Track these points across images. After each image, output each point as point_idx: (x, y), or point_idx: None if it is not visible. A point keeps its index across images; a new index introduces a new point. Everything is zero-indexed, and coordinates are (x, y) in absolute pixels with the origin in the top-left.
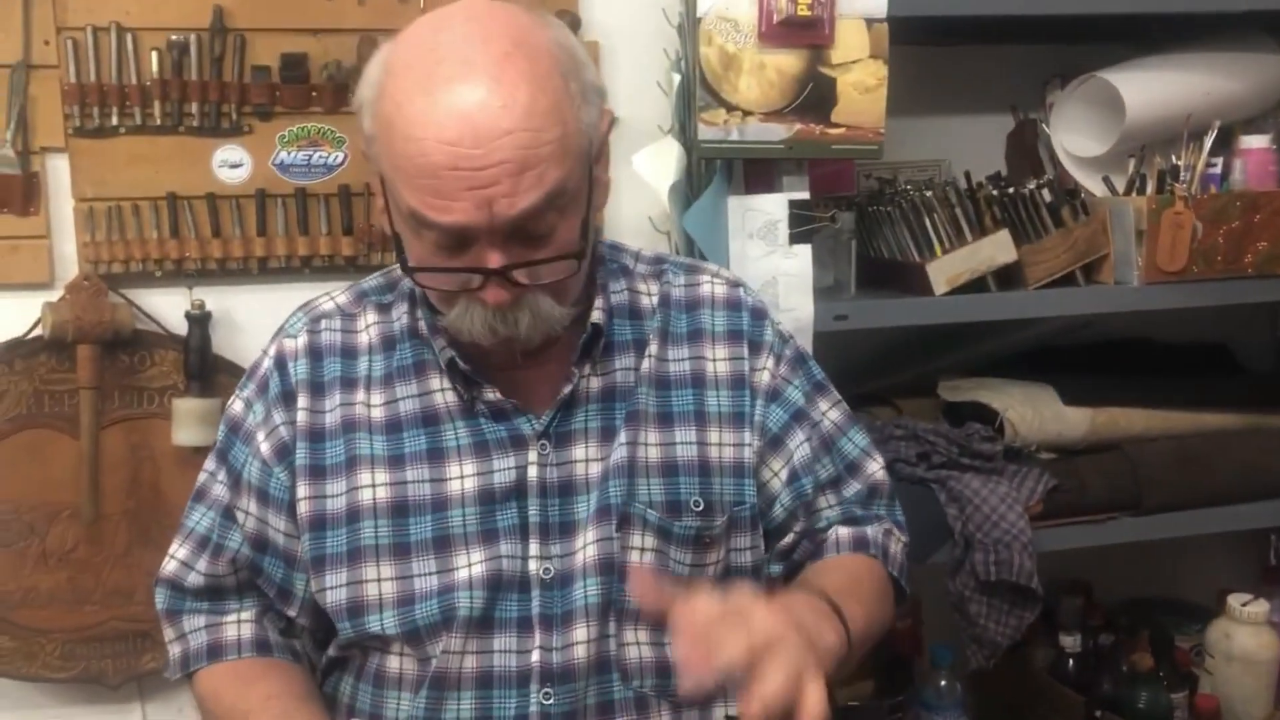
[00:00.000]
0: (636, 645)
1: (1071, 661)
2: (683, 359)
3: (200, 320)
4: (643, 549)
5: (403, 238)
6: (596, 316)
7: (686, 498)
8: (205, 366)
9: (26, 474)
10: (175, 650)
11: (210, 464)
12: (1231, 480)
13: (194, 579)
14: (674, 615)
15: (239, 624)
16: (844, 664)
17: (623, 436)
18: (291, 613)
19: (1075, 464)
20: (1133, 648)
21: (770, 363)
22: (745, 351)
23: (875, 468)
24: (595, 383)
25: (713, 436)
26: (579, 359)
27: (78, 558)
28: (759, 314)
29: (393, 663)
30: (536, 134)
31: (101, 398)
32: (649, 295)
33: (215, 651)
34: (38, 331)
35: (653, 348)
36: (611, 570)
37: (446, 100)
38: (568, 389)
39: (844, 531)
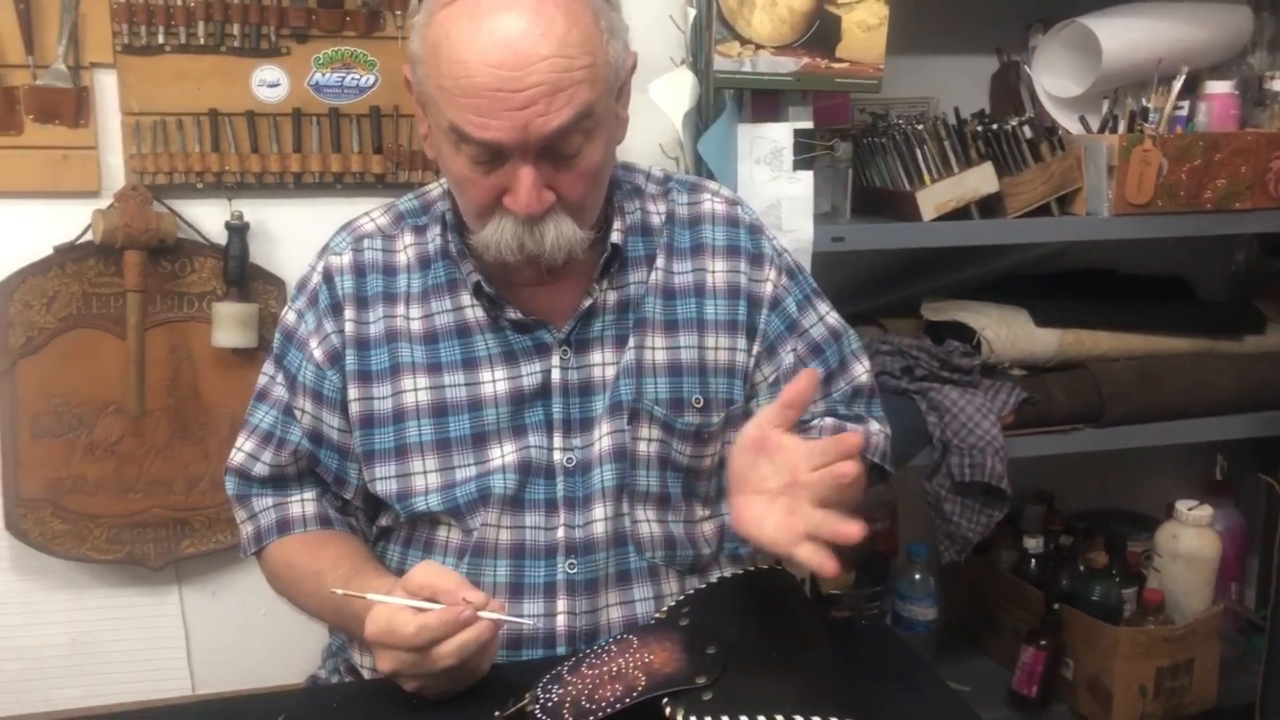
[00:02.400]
0: (647, 523)
1: (1034, 562)
2: (686, 271)
3: (239, 230)
4: (650, 439)
5: (442, 155)
6: (616, 237)
7: (688, 395)
8: (243, 274)
9: (76, 371)
10: (248, 529)
11: (269, 368)
12: (1184, 398)
13: (260, 469)
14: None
15: (303, 503)
16: None
17: (631, 341)
18: (347, 495)
19: (1044, 380)
20: (1089, 548)
21: (773, 274)
22: (743, 265)
23: (861, 370)
24: (611, 296)
25: (710, 341)
26: (600, 275)
27: (122, 449)
28: (756, 230)
29: (440, 533)
30: (570, 60)
31: (146, 301)
32: (658, 214)
33: (284, 526)
34: (87, 237)
35: (660, 261)
36: (624, 458)
37: (490, 27)
38: (588, 303)
39: (828, 422)
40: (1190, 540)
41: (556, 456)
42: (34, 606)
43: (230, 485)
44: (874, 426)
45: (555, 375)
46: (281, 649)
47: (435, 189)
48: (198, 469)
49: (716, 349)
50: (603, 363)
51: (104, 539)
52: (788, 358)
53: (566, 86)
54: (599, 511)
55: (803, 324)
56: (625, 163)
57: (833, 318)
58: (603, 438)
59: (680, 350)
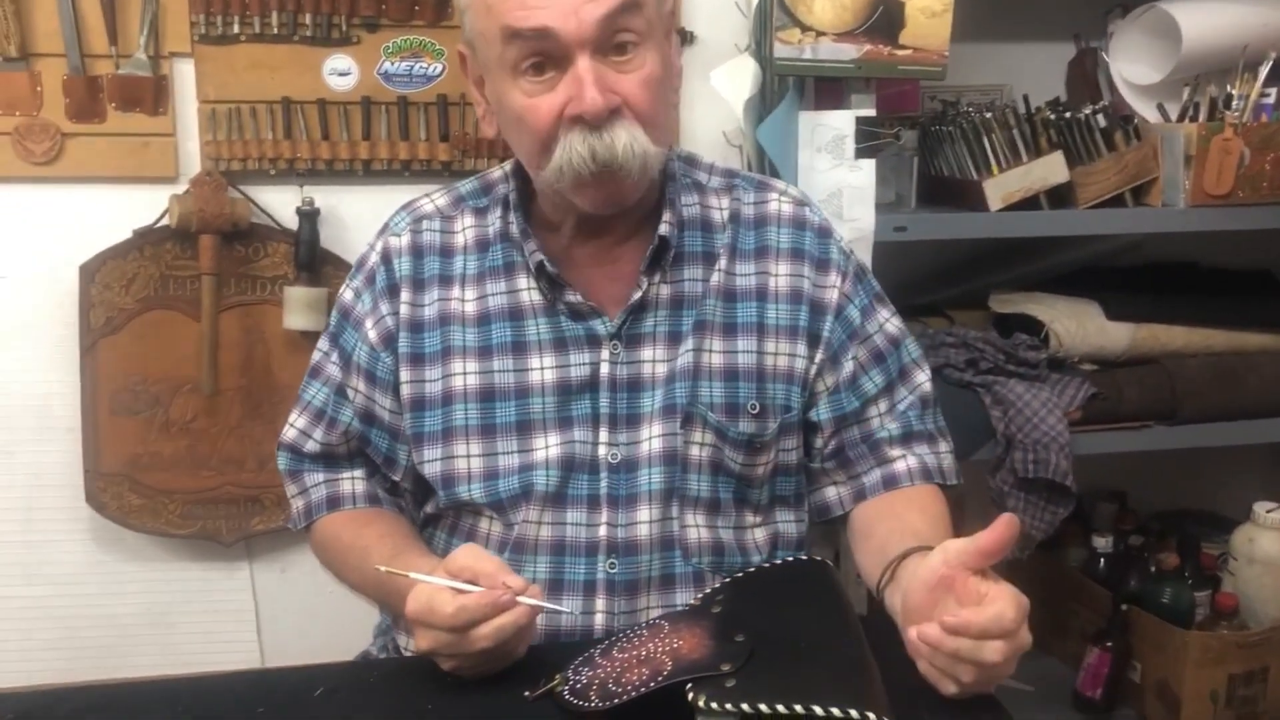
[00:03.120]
0: (696, 528)
1: (1103, 561)
2: (749, 274)
3: (310, 216)
4: (702, 444)
5: (500, 102)
6: (664, 229)
7: (744, 401)
8: (313, 258)
9: (153, 350)
10: (299, 504)
11: (324, 344)
12: (1264, 396)
13: (311, 446)
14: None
15: (353, 480)
16: None
17: (690, 343)
18: (396, 477)
19: (1115, 375)
20: (1161, 549)
21: (837, 280)
22: (806, 269)
23: (923, 378)
24: (665, 290)
25: (769, 346)
26: (647, 268)
27: (196, 427)
28: (824, 232)
29: (483, 524)
30: None
31: (220, 284)
32: (720, 210)
33: (334, 502)
34: (165, 221)
35: (722, 262)
36: (674, 461)
37: None
38: (636, 295)
39: (913, 462)
40: (1268, 544)
41: (601, 451)
42: (112, 577)
43: (282, 460)
44: (943, 448)
45: (604, 369)
46: (348, 625)
47: (497, 171)
48: (269, 448)
49: (776, 354)
50: (653, 359)
51: (178, 514)
52: (848, 365)
53: None
54: (644, 513)
55: (865, 330)
56: (689, 154)
57: (893, 324)
58: (652, 439)
59: (738, 355)
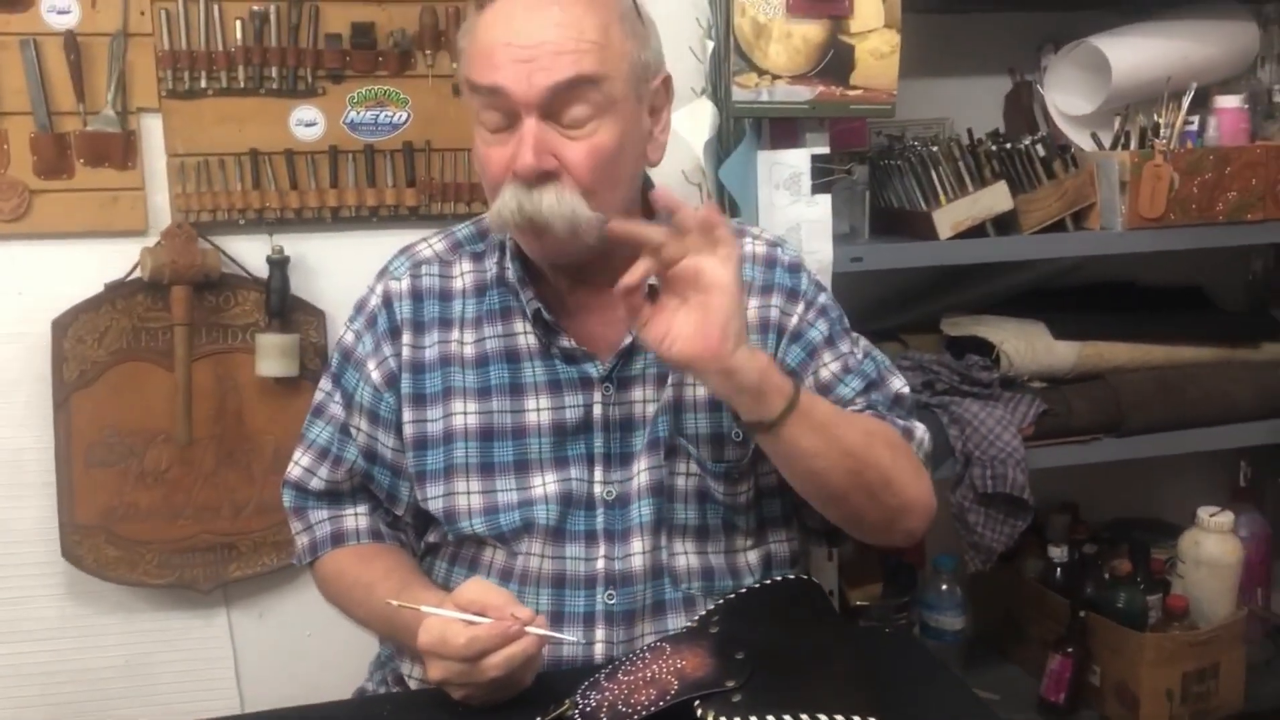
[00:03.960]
0: (684, 555)
1: (1059, 570)
2: None
3: (280, 264)
4: (687, 474)
5: (474, 136)
6: (653, 279)
7: (729, 430)
8: (284, 305)
9: (126, 402)
10: (303, 540)
11: (326, 384)
12: (1203, 406)
13: (316, 483)
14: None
15: (356, 516)
16: (782, 407)
17: (672, 378)
18: (398, 511)
19: (1063, 391)
20: (1113, 556)
21: (800, 308)
22: (775, 299)
23: (898, 384)
24: None
25: None
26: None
27: (171, 477)
28: (794, 268)
29: (485, 554)
30: (580, 34)
31: (192, 334)
32: None
33: (339, 538)
34: (136, 274)
35: None
36: (661, 493)
37: (515, 8)
38: (627, 340)
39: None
40: (1212, 546)
41: (597, 489)
42: (89, 630)
43: (287, 498)
44: (919, 425)
45: (597, 411)
46: (328, 669)
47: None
48: (244, 494)
49: None
50: (644, 399)
51: (155, 564)
52: (810, 379)
53: (571, 51)
54: (637, 545)
55: (835, 350)
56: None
57: (861, 345)
58: (641, 473)
59: None
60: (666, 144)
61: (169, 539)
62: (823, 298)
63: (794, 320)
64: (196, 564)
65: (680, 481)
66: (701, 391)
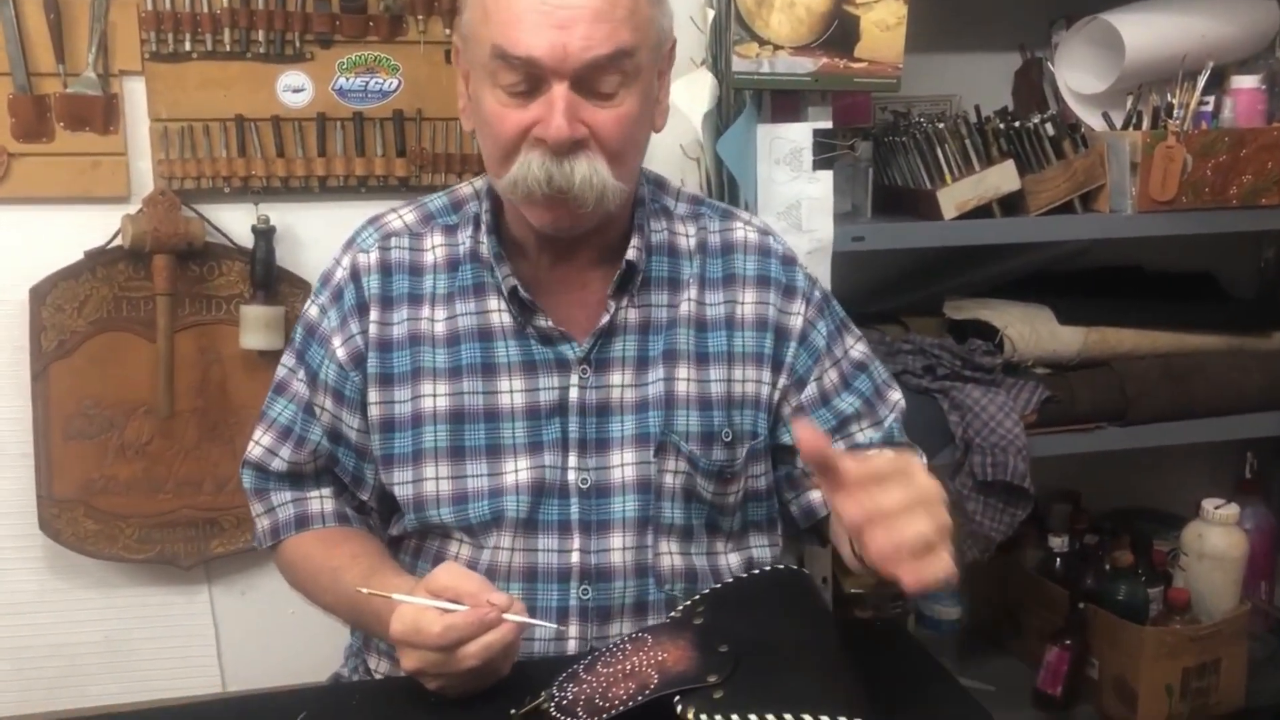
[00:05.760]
0: (670, 555)
1: (1059, 561)
2: (718, 303)
3: (265, 234)
4: (675, 472)
5: (476, 100)
6: (632, 255)
7: (719, 429)
8: (269, 277)
9: (107, 373)
10: (264, 523)
11: (289, 360)
12: (1210, 396)
13: (278, 464)
14: (837, 465)
15: (321, 499)
16: None
17: (661, 372)
18: (363, 496)
19: (1067, 378)
20: (1115, 547)
21: (802, 307)
22: (772, 295)
23: (897, 396)
24: (633, 315)
25: (737, 373)
26: (615, 292)
27: (152, 450)
28: (789, 260)
29: (451, 547)
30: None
31: (175, 304)
32: (686, 237)
33: (303, 522)
34: (117, 242)
35: (692, 292)
36: (648, 490)
37: None
38: (605, 319)
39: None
40: (1216, 539)
41: (571, 476)
42: (67, 605)
43: (247, 479)
44: (919, 454)
45: (573, 394)
46: (310, 647)
47: (466, 188)
48: (226, 469)
49: (744, 382)
50: (622, 384)
51: (135, 538)
52: (813, 386)
53: (609, 19)
54: (618, 540)
55: (833, 354)
56: (658, 178)
57: (859, 350)
58: (625, 466)
59: (711, 384)
60: (668, 109)
61: (149, 513)
62: (818, 292)
63: (797, 321)
64: (178, 539)
65: (669, 479)
66: (693, 388)
